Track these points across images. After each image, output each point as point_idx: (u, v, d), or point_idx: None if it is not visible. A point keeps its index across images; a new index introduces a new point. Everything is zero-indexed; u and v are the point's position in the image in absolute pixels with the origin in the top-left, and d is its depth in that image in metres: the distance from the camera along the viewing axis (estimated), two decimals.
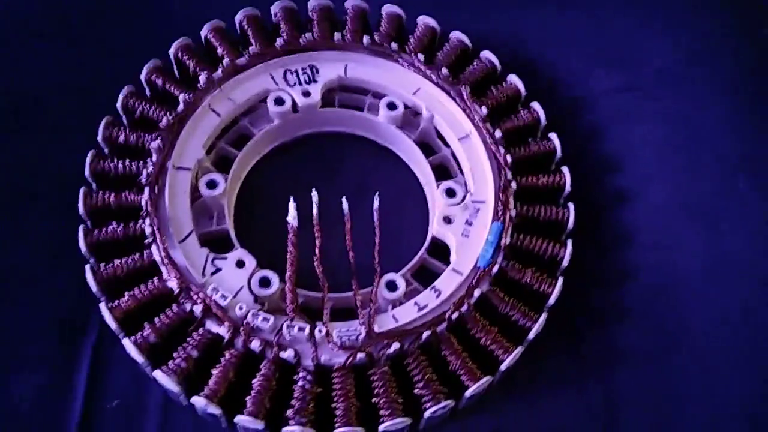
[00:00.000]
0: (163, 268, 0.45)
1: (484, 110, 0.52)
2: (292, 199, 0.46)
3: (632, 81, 0.59)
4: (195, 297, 0.44)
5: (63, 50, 0.58)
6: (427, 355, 0.45)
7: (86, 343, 0.47)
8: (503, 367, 0.44)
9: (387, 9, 0.58)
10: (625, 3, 0.63)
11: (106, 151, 0.51)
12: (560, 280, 0.47)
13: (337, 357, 0.44)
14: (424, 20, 0.57)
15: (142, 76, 0.53)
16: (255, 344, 0.43)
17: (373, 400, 0.43)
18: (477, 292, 0.46)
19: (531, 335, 0.46)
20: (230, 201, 0.51)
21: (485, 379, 0.44)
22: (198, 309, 0.44)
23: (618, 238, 0.53)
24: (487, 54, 0.56)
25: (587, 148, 0.56)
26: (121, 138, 0.51)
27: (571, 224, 0.50)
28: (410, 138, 0.54)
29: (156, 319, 0.44)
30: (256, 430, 0.42)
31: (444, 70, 0.54)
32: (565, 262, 0.48)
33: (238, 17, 0.56)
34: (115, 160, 0.50)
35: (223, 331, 0.44)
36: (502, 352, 0.45)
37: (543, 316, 0.46)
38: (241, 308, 0.44)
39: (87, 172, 0.49)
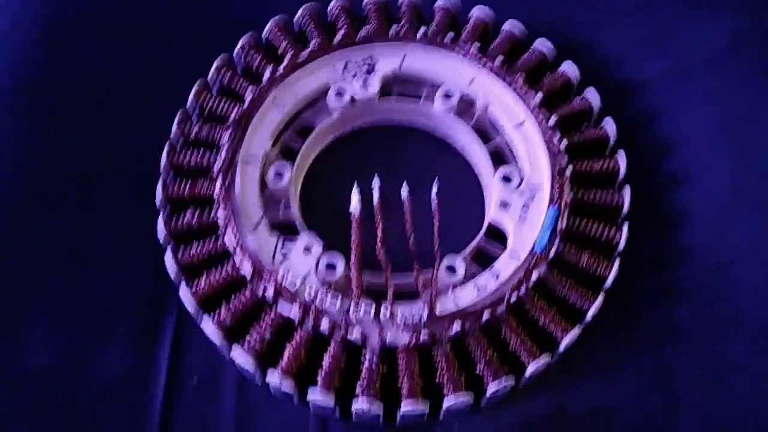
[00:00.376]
0: (236, 255, 0.48)
1: (538, 98, 0.54)
2: (354, 189, 0.48)
3: (683, 64, 0.59)
4: (266, 281, 0.47)
5: (124, 45, 0.61)
6: (488, 336, 0.47)
7: (167, 323, 0.50)
8: (562, 346, 0.46)
9: (440, 3, 0.59)
10: None
11: (178, 144, 0.54)
12: (616, 263, 0.49)
13: (401, 337, 0.46)
14: (476, 11, 0.59)
15: (211, 74, 0.56)
16: (324, 325, 0.46)
17: (436, 379, 0.46)
18: (535, 275, 0.48)
19: (589, 317, 0.47)
20: (296, 190, 0.54)
21: (544, 358, 0.46)
22: (269, 292, 0.47)
23: (672, 220, 0.54)
24: (540, 42, 0.58)
25: (640, 132, 0.57)
26: (193, 132, 0.54)
27: (626, 208, 0.51)
28: (466, 126, 0.55)
29: (230, 303, 0.47)
30: (327, 406, 0.44)
31: (498, 60, 0.56)
32: (621, 246, 0.50)
33: (298, 15, 0.58)
34: (188, 153, 0.53)
35: (293, 313, 0.46)
36: (561, 332, 0.47)
37: (600, 298, 0.48)
38: (309, 291, 0.47)
39: (163, 164, 0.52)
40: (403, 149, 0.57)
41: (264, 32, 0.58)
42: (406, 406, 0.44)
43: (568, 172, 0.51)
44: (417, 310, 0.46)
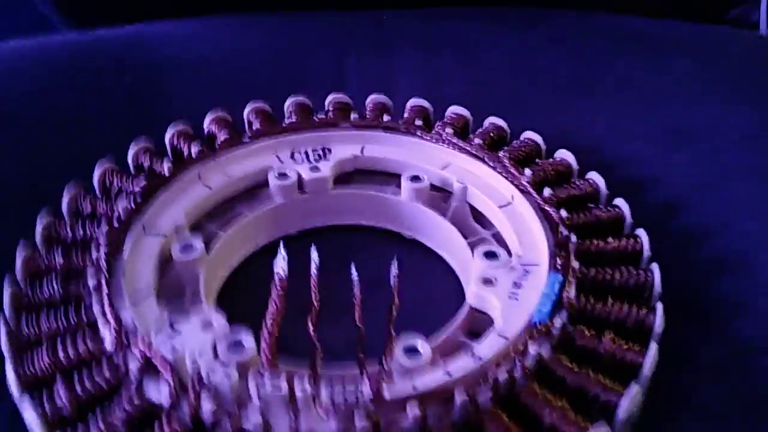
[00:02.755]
0: (101, 325, 0.34)
1: (528, 174, 0.43)
2: (281, 246, 0.36)
3: (710, 148, 0.50)
4: (134, 352, 0.32)
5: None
6: None
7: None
8: None
9: (412, 103, 0.51)
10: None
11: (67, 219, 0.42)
12: (653, 348, 0.33)
13: (325, 428, 0.29)
14: (450, 110, 0.50)
15: (129, 157, 0.46)
16: (207, 409, 0.30)
17: None
18: (532, 351, 0.32)
19: (622, 414, 0.31)
20: (208, 275, 0.40)
21: None
22: (135, 366, 0.31)
23: (716, 305, 0.39)
24: (530, 133, 0.48)
25: (665, 221, 0.44)
26: (88, 207, 0.42)
27: (657, 286, 0.37)
28: (440, 218, 0.43)
29: (74, 384, 0.31)
30: None
31: (477, 141, 0.46)
32: (658, 328, 0.35)
33: (246, 110, 0.50)
34: (74, 226, 0.40)
35: (163, 395, 0.30)
36: (574, 429, 0.30)
37: (635, 388, 0.31)
38: (193, 362, 0.31)
39: (38, 239, 0.40)
40: (357, 250, 0.44)
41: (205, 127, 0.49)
42: None
43: (572, 243, 0.38)
44: (355, 388, 0.30)
